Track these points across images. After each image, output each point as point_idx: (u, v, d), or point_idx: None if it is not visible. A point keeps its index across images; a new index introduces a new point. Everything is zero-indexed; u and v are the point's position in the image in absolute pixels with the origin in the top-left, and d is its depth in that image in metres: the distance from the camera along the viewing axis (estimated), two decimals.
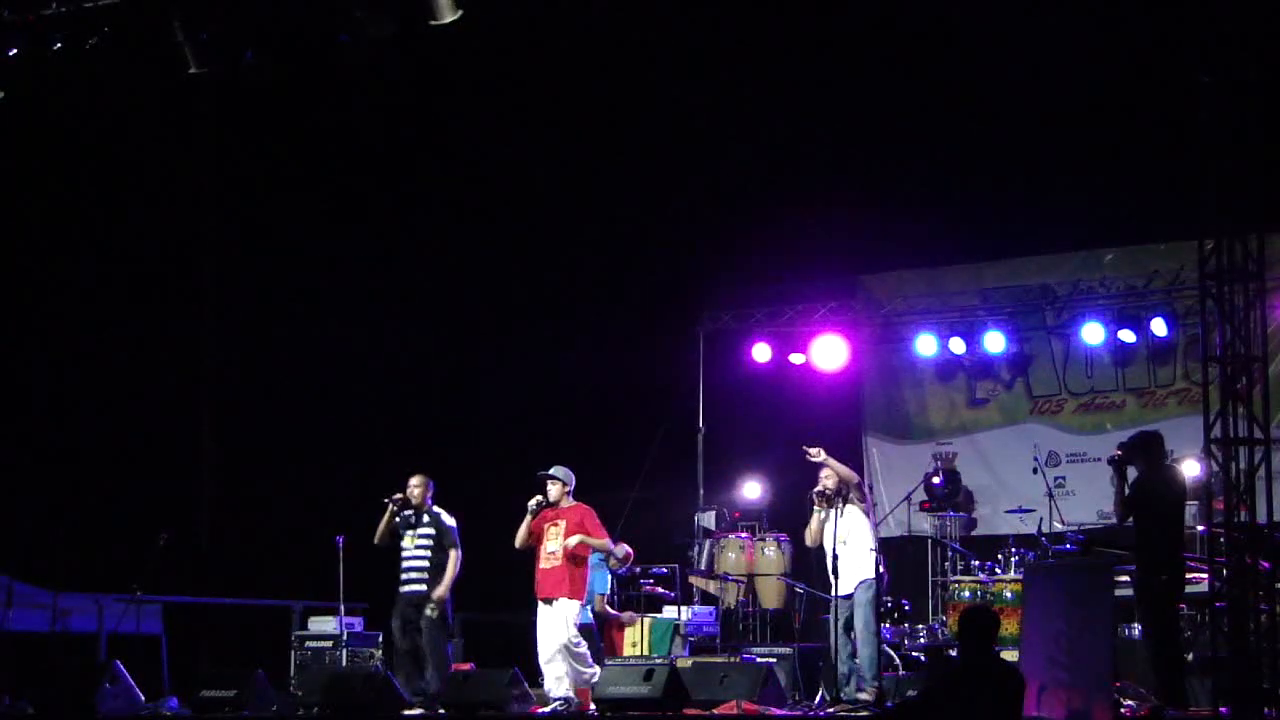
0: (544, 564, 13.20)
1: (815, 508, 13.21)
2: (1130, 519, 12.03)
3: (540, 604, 13.20)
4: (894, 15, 15.77)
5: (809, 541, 13.44)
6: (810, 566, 15.82)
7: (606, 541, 13.67)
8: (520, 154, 18.02)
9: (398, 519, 13.74)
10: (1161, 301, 16.71)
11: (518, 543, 13.36)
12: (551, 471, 13.35)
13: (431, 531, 13.67)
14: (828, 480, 13.21)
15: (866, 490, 13.59)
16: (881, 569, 13.16)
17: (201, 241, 19.55)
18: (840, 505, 13.09)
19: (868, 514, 13.27)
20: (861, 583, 13.01)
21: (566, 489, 13.34)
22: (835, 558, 12.96)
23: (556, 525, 13.20)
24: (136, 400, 18.38)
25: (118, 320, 18.43)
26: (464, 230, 18.53)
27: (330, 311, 18.84)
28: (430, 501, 13.76)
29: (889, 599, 15.46)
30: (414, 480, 13.75)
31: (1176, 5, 12.01)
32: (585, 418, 18.09)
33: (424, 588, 13.56)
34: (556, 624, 13.05)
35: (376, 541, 13.79)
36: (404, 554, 13.74)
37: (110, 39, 13.40)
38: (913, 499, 17.14)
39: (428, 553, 13.64)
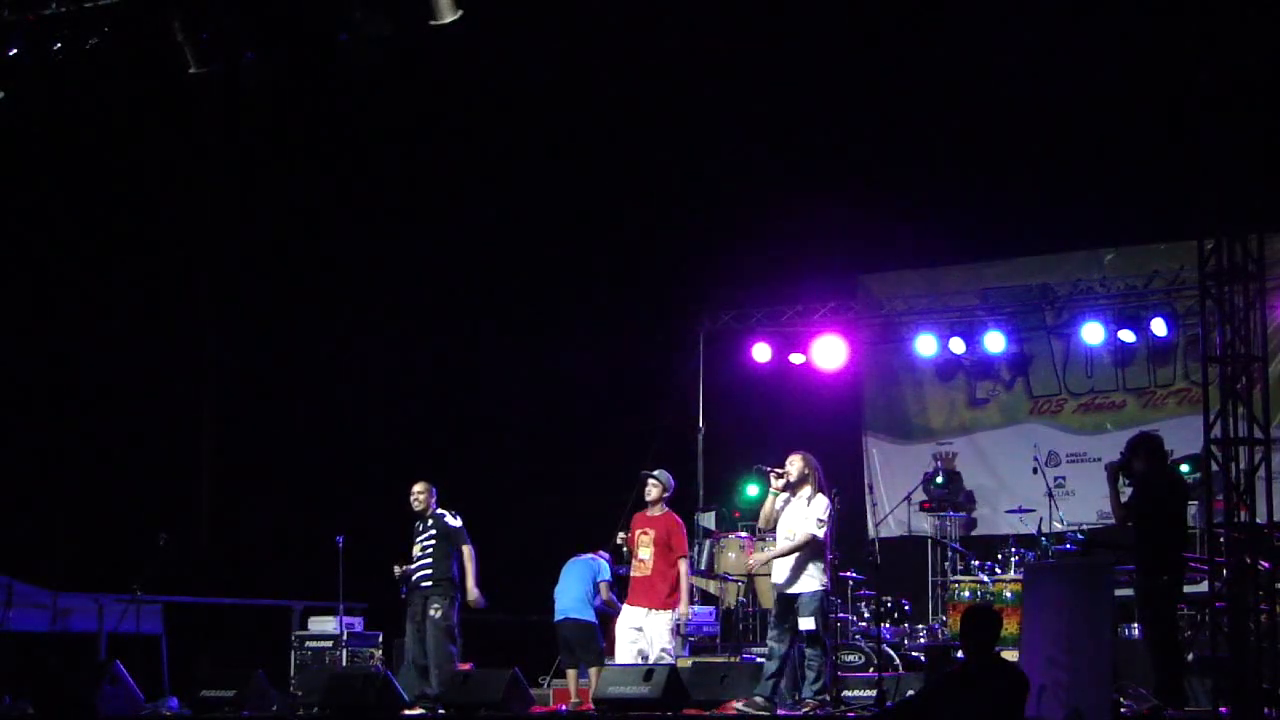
0: (635, 571, 13.20)
1: (771, 490, 12.54)
2: (1130, 520, 12.03)
3: (628, 609, 13.20)
4: (894, 15, 15.77)
5: (761, 523, 13.03)
6: None
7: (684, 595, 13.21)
8: (520, 154, 18.02)
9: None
10: (1161, 301, 16.73)
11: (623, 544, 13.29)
12: (655, 473, 13.26)
13: (434, 533, 13.67)
14: (791, 466, 12.43)
15: (831, 496, 12.51)
16: (825, 583, 12.26)
17: (202, 242, 19.54)
18: (808, 496, 12.35)
19: (825, 519, 12.30)
20: (800, 588, 12.23)
21: (664, 494, 13.27)
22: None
23: (646, 533, 13.16)
24: (136, 400, 18.37)
25: (118, 320, 18.42)
26: (464, 230, 18.51)
27: (330, 312, 18.85)
28: (434, 506, 13.75)
29: (888, 599, 15.50)
30: (417, 487, 13.75)
31: (1177, 5, 12.00)
32: (585, 417, 18.10)
33: (430, 584, 13.54)
34: (650, 632, 13.02)
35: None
36: (411, 559, 13.79)
37: (110, 39, 13.38)
38: (913, 499, 17.20)
39: (430, 556, 13.61)
